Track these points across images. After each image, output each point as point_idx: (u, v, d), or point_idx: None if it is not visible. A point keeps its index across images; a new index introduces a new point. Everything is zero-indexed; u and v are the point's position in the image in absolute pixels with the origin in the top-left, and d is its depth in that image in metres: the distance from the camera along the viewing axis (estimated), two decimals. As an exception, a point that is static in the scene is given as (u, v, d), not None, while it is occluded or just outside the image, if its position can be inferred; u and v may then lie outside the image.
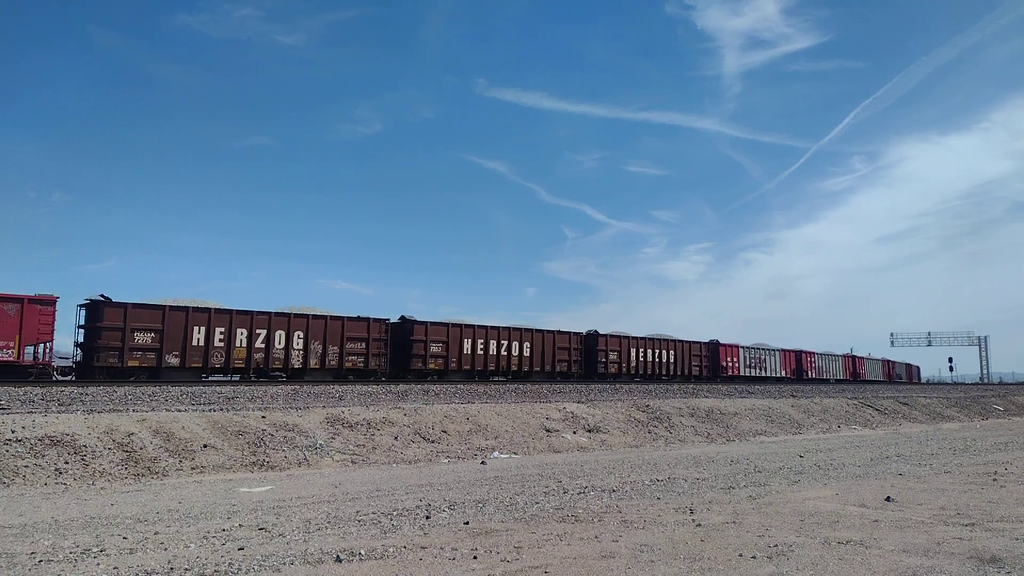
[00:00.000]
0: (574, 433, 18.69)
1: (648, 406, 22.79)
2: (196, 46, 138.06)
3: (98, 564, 5.70)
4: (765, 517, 7.73)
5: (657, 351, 37.34)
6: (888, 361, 68.84)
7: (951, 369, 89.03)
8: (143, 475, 11.51)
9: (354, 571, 5.55)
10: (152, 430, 13.00)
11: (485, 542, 6.53)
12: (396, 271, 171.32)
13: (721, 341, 41.84)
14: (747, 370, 43.78)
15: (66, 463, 11.27)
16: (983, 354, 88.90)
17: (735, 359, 42.65)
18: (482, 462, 14.36)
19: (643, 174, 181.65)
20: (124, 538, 6.72)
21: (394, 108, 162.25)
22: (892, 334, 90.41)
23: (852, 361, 58.62)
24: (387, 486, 10.59)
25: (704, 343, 40.79)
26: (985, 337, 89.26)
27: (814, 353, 51.56)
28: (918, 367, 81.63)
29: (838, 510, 8.20)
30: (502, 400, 20.81)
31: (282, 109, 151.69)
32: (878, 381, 60.50)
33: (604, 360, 34.45)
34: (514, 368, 30.08)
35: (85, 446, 11.84)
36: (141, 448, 12.30)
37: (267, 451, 13.37)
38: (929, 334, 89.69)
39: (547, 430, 18.34)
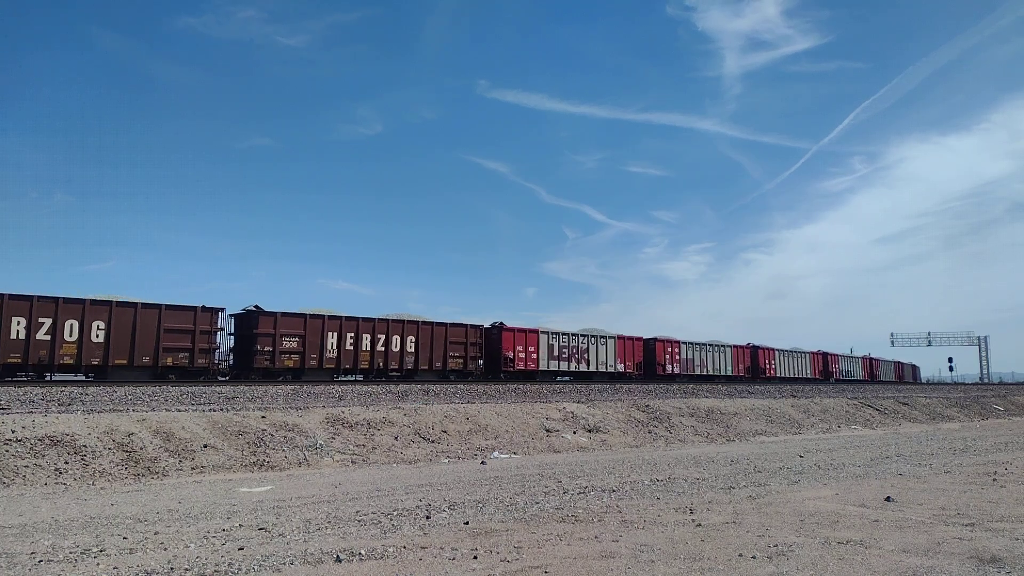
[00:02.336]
0: (574, 433, 18.69)
1: (648, 406, 22.79)
2: (198, 47, 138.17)
3: (98, 564, 5.70)
4: (765, 517, 7.73)
5: (585, 347, 33.89)
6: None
7: (951, 369, 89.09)
8: (143, 475, 11.51)
9: (354, 571, 5.55)
10: (152, 430, 13.00)
11: (485, 542, 6.53)
12: (396, 271, 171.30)
13: (659, 338, 38.71)
14: (697, 368, 40.19)
15: (66, 463, 11.27)
16: (983, 354, 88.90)
17: (668, 355, 38.75)
18: (482, 462, 14.36)
19: (643, 174, 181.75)
20: (124, 538, 6.72)
21: (395, 109, 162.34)
22: (892, 334, 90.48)
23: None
24: (387, 486, 10.59)
25: (644, 339, 37.88)
26: (985, 337, 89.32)
27: (773, 350, 47.18)
28: (918, 367, 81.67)
29: (838, 510, 8.20)
30: (502, 400, 20.81)
31: (283, 110, 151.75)
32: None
33: (511, 357, 30.74)
34: (393, 366, 27.11)
35: (85, 446, 11.84)
36: (141, 448, 12.29)
37: (267, 451, 13.37)
38: (929, 334, 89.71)
39: (547, 430, 18.34)
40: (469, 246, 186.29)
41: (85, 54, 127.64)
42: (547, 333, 32.42)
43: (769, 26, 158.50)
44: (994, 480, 11.01)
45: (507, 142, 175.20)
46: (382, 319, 27.23)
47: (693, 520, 7.56)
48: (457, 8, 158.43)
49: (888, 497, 9.05)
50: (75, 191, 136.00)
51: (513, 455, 15.78)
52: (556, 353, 32.63)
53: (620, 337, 36.11)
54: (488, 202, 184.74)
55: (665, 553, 6.04)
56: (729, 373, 42.41)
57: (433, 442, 15.87)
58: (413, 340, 28.01)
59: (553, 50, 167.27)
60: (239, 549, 6.22)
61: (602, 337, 35.04)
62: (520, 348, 31.22)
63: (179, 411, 14.65)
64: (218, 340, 23.40)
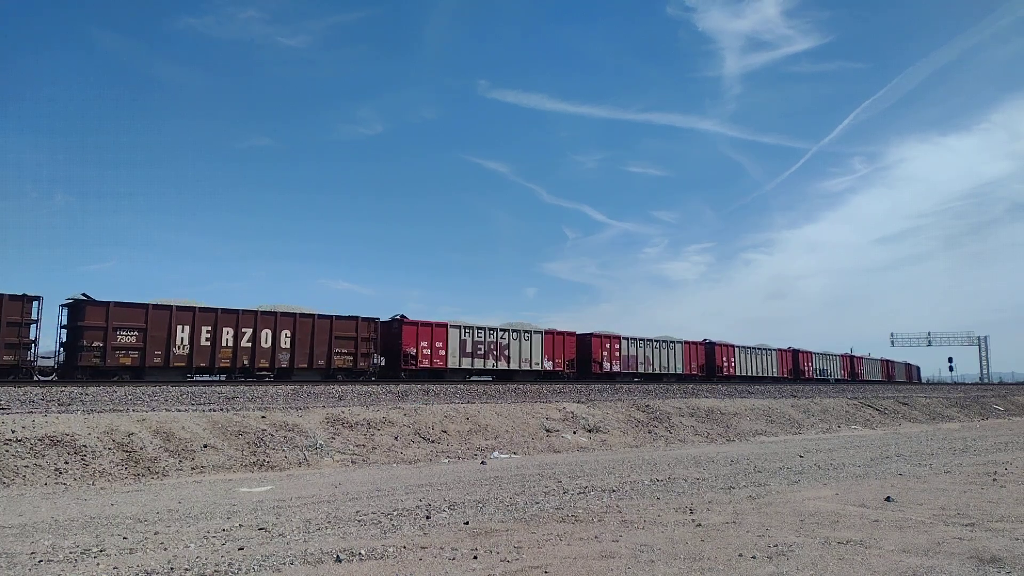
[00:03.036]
0: (574, 433, 18.69)
1: (648, 406, 22.79)
2: (199, 47, 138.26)
3: (98, 564, 5.70)
4: (765, 517, 7.73)
5: (506, 342, 30.89)
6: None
7: (951, 369, 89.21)
8: (143, 475, 11.51)
9: (354, 571, 5.55)
10: (152, 430, 13.00)
11: (485, 542, 6.53)
12: (396, 271, 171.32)
13: (596, 333, 35.39)
14: (641, 366, 37.04)
15: (66, 463, 11.27)
16: (983, 354, 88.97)
17: (607, 352, 35.37)
18: (482, 462, 14.36)
19: (643, 175, 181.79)
20: (124, 538, 6.72)
21: (396, 109, 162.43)
22: (892, 334, 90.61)
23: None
24: (387, 486, 10.59)
25: (578, 335, 34.60)
26: (985, 337, 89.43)
27: (732, 347, 43.86)
28: (918, 367, 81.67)
29: (838, 510, 8.20)
30: (502, 400, 20.81)
31: (284, 110, 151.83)
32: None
33: (413, 353, 27.86)
34: (263, 364, 23.82)
35: (85, 446, 11.84)
36: (141, 448, 12.29)
37: (267, 451, 13.37)
38: (929, 334, 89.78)
39: (547, 430, 18.34)
40: (469, 246, 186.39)
41: (86, 54, 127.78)
42: (459, 327, 29.25)
43: (769, 26, 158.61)
44: (994, 480, 11.01)
45: (507, 142, 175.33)
46: (248, 310, 23.84)
47: (693, 520, 7.56)
48: (457, 8, 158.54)
49: (888, 497, 9.05)
50: (76, 191, 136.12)
51: (513, 455, 15.78)
52: (470, 349, 29.33)
53: (549, 332, 32.88)
54: (488, 202, 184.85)
55: (665, 553, 6.04)
56: (680, 371, 38.90)
57: (433, 442, 15.87)
58: (288, 334, 24.53)
59: (553, 50, 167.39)
60: (239, 549, 6.22)
61: (527, 332, 31.73)
62: (425, 344, 28.02)
63: (179, 411, 14.65)
64: (34, 334, 20.36)
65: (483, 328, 30.19)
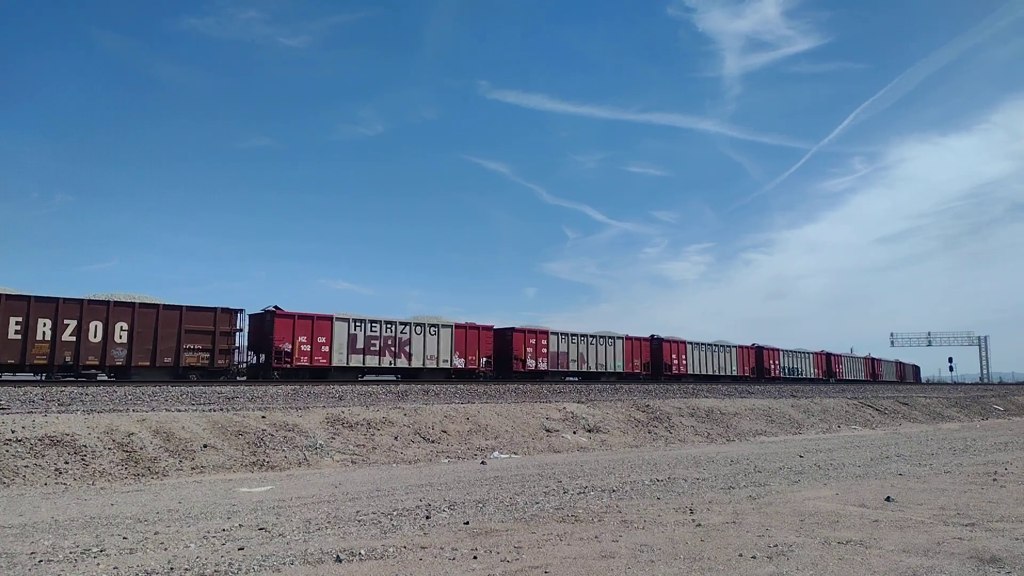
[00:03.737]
0: (574, 433, 18.69)
1: (648, 406, 22.79)
2: (200, 48, 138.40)
3: (98, 564, 5.70)
4: (765, 517, 7.73)
5: (407, 338, 27.82)
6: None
7: (951, 369, 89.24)
8: (143, 475, 11.52)
9: (354, 571, 5.55)
10: (152, 430, 13.00)
11: (485, 542, 6.53)
12: (397, 271, 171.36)
13: (519, 328, 32.18)
14: (573, 364, 33.73)
15: (66, 463, 11.27)
16: (983, 354, 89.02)
17: (532, 349, 32.42)
18: (482, 462, 14.36)
19: (644, 175, 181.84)
20: (124, 538, 6.72)
21: (396, 109, 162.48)
22: (892, 334, 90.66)
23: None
24: (387, 486, 10.59)
25: (496, 329, 31.56)
26: (985, 337, 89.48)
27: (682, 343, 39.62)
28: (918, 367, 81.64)
29: (838, 510, 8.20)
30: (502, 400, 20.82)
31: (284, 110, 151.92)
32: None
33: (288, 350, 24.46)
34: (91, 361, 20.86)
35: (85, 446, 11.84)
36: (141, 448, 12.30)
37: (267, 451, 13.37)
38: (929, 334, 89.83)
39: (547, 430, 18.35)
40: (469, 246, 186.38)
41: (87, 55, 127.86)
42: (347, 320, 26.13)
43: (769, 27, 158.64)
44: (994, 480, 11.01)
45: (508, 142, 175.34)
46: (72, 299, 20.86)
47: (693, 520, 7.56)
48: (458, 9, 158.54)
49: (888, 497, 9.05)
50: (76, 191, 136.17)
51: (513, 455, 15.78)
52: (362, 345, 26.27)
53: (462, 326, 29.84)
54: (488, 202, 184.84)
55: (665, 553, 6.04)
56: (620, 370, 35.40)
57: (433, 442, 15.88)
58: (125, 327, 21.48)
59: (554, 51, 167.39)
60: (239, 549, 6.22)
61: (433, 326, 28.76)
62: (304, 339, 24.87)
63: (179, 411, 14.65)
64: None
65: (378, 321, 26.99)
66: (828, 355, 54.93)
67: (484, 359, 30.48)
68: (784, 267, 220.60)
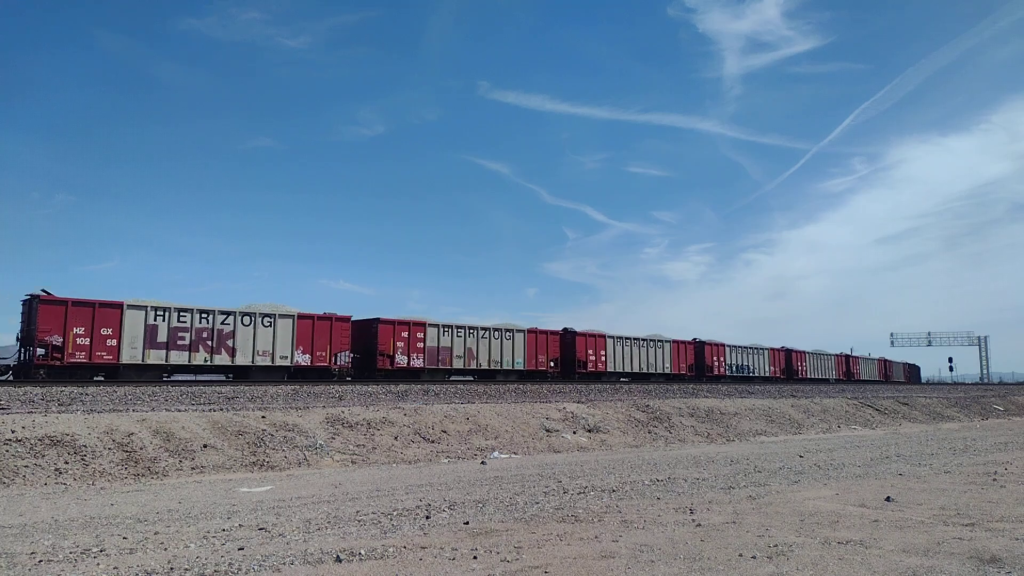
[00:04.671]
0: (574, 433, 18.69)
1: (648, 406, 22.79)
2: (201, 49, 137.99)
3: (98, 564, 5.70)
4: (765, 517, 7.73)
5: (231, 329, 23.75)
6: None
7: (951, 369, 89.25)
8: (143, 475, 11.52)
9: (354, 571, 5.55)
10: (152, 430, 13.00)
11: (485, 542, 6.53)
12: (397, 272, 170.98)
13: (386, 319, 27.91)
14: (453, 360, 29.48)
15: (66, 463, 11.27)
16: (983, 354, 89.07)
17: (404, 343, 28.24)
18: (482, 462, 14.36)
19: (644, 175, 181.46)
20: (124, 538, 6.72)
21: (397, 110, 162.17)
22: (892, 334, 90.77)
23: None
24: (387, 486, 10.59)
25: (356, 321, 27.55)
26: (985, 337, 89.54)
27: (594, 336, 34.61)
28: (918, 367, 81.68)
29: (838, 510, 8.20)
30: (502, 400, 20.82)
31: (285, 111, 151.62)
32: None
33: (61, 343, 20.63)
34: None
35: (85, 446, 11.84)
36: (141, 448, 12.30)
37: (267, 451, 13.37)
38: (929, 334, 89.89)
39: (547, 430, 18.35)
40: (470, 247, 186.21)
41: (88, 55, 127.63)
42: (143, 308, 22.10)
43: (770, 27, 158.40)
44: (994, 480, 11.01)
45: (508, 143, 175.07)
46: None
47: (693, 520, 7.56)
48: (458, 10, 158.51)
49: (888, 497, 9.05)
50: (77, 191, 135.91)
51: (513, 455, 15.79)
52: (164, 338, 22.35)
53: (306, 316, 25.63)
54: (489, 203, 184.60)
55: (665, 553, 6.04)
56: (521, 367, 31.55)
57: (433, 442, 15.88)
58: None
59: (554, 51, 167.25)
60: (239, 549, 6.22)
61: (267, 316, 24.62)
62: (82, 330, 20.98)
63: (179, 411, 14.65)
64: None
65: (189, 310, 22.93)
66: (788, 352, 51.78)
67: (341, 354, 26.33)
68: (784, 267, 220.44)
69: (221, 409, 15.34)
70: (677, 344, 39.71)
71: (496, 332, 30.77)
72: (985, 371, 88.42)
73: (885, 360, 66.89)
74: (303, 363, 25.32)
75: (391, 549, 6.22)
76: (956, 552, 6.04)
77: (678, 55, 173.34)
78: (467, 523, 7.46)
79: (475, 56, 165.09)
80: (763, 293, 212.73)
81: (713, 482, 10.86)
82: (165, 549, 6.24)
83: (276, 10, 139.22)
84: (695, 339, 41.81)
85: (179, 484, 11.00)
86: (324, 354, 25.88)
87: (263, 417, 14.99)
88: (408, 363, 27.96)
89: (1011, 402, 42.32)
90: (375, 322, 27.43)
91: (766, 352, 47.08)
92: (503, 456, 15.54)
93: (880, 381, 60.67)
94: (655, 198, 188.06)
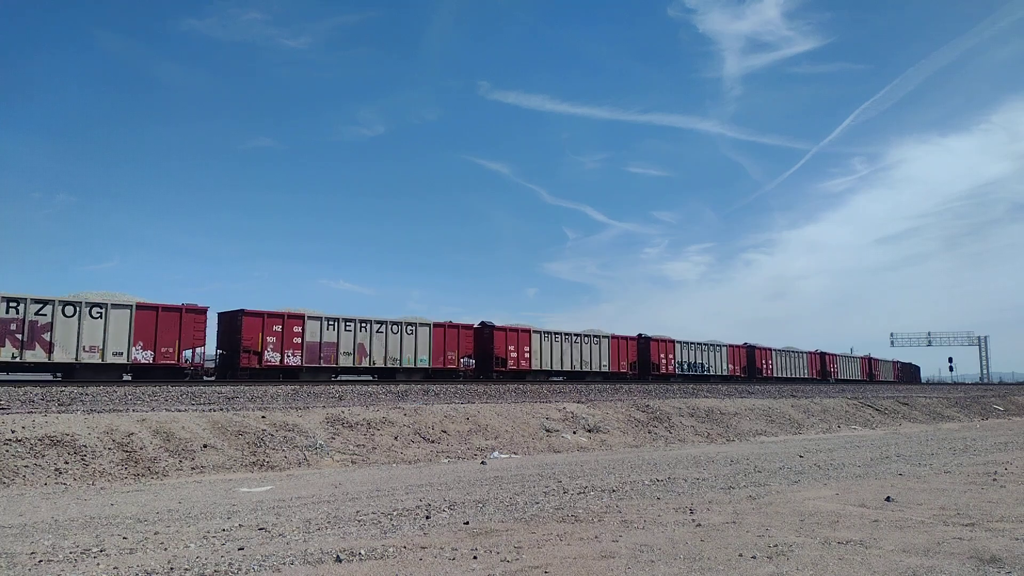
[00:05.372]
0: (574, 433, 18.69)
1: (648, 406, 22.79)
2: (202, 49, 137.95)
3: (98, 564, 5.70)
4: (765, 517, 7.73)
5: (46, 321, 20.39)
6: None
7: (951, 369, 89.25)
8: (143, 475, 11.52)
9: (354, 571, 5.55)
10: (152, 430, 13.00)
11: (485, 542, 6.53)
12: (397, 272, 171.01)
13: (251, 310, 24.38)
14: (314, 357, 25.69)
15: (66, 463, 11.27)
16: (983, 354, 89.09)
17: (277, 338, 24.71)
18: (482, 462, 14.36)
19: (644, 175, 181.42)
20: (124, 538, 6.72)
21: (397, 110, 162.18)
22: (892, 334, 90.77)
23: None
24: (387, 486, 10.59)
25: (228, 312, 24.97)
26: (985, 337, 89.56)
27: (536, 329, 32.29)
28: (918, 367, 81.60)
29: (838, 510, 8.20)
30: (502, 400, 20.82)
31: (286, 111, 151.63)
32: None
33: None
34: None
35: (85, 446, 11.84)
36: (141, 448, 12.30)
37: (267, 451, 13.37)
38: (929, 334, 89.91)
39: (547, 430, 18.35)
40: (470, 247, 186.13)
41: (88, 55, 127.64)
42: None
43: (770, 28, 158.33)
44: (994, 480, 11.01)
45: (508, 143, 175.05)
46: None
47: (693, 520, 7.56)
48: (459, 10, 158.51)
49: (888, 497, 9.05)
50: (77, 192, 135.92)
51: (513, 455, 15.78)
52: None
53: (148, 307, 22.36)
54: (489, 203, 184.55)
55: (665, 553, 6.04)
56: (427, 365, 28.72)
57: (433, 442, 15.88)
58: None
59: (554, 52, 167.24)
60: (239, 549, 6.22)
61: (97, 307, 21.35)
62: None
63: (179, 411, 14.65)
64: None
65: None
66: (871, 359, 52.57)
67: (195, 351, 23.45)
68: (784, 267, 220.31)
69: (221, 409, 15.34)
70: (617, 339, 36.61)
71: (395, 326, 27.77)
72: (985, 371, 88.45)
73: (871, 358, 61.99)
74: (143, 360, 22.06)
75: (391, 549, 6.22)
76: (956, 552, 6.04)
77: (678, 55, 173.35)
78: (467, 523, 7.46)
79: (475, 56, 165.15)
80: (763, 293, 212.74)
81: (713, 482, 10.85)
82: (165, 549, 6.24)
83: (276, 10, 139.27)
84: (640, 334, 38.82)
85: (179, 484, 11.00)
86: (171, 351, 22.62)
87: (263, 417, 14.99)
88: (281, 360, 24.57)
89: (1011, 402, 42.32)
90: (239, 314, 24.17)
91: (723, 349, 43.41)
92: (503, 456, 15.54)
93: (864, 381, 56.05)
94: (655, 198, 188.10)
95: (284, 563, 5.72)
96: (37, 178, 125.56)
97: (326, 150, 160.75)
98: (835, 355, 55.19)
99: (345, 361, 26.31)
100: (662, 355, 39.17)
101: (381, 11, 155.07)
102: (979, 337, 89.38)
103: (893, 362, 70.13)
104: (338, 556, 5.91)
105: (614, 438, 18.98)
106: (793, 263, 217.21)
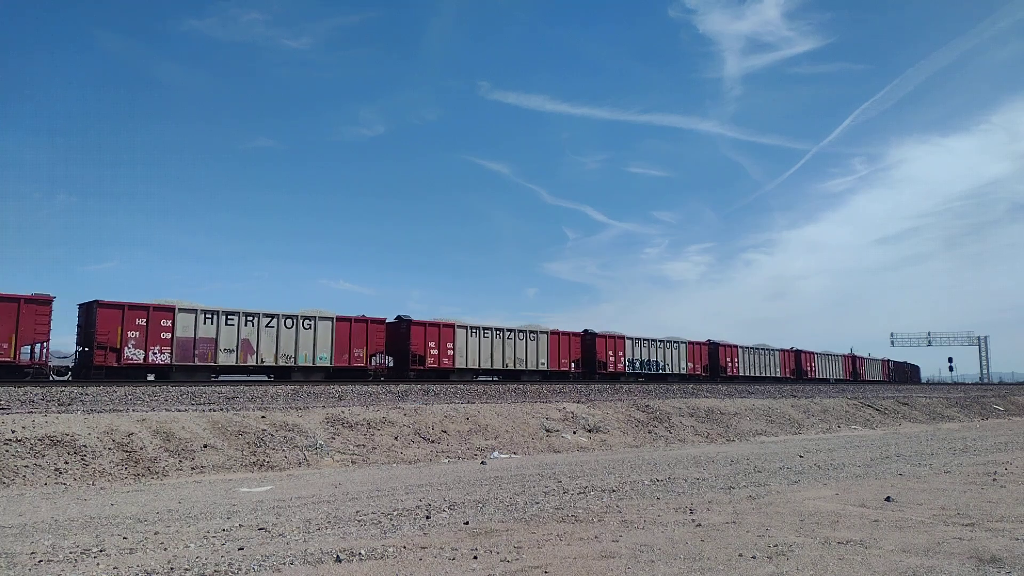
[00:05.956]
0: (574, 433, 18.69)
1: (648, 406, 22.79)
2: (202, 49, 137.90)
3: (98, 564, 5.70)
4: (765, 517, 7.73)
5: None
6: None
7: (951, 369, 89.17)
8: (143, 475, 11.51)
9: (354, 571, 5.55)
10: (152, 430, 13.00)
11: (485, 542, 6.53)
12: (397, 271, 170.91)
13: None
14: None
15: (66, 463, 11.27)
16: (983, 354, 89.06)
17: (140, 333, 22.18)
18: (482, 462, 14.36)
19: (644, 175, 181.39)
20: (124, 538, 6.72)
21: (397, 110, 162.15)
22: (892, 334, 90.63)
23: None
24: (387, 486, 10.59)
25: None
26: (985, 337, 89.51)
27: (459, 324, 29.42)
28: (918, 367, 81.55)
29: (838, 510, 8.20)
30: (502, 400, 20.82)
31: (286, 111, 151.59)
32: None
33: None
34: None
35: (85, 446, 11.84)
36: (141, 448, 12.29)
37: (267, 451, 13.37)
38: (929, 334, 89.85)
39: (547, 430, 18.34)
40: (471, 247, 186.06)
41: (88, 55, 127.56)
42: None
43: (770, 28, 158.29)
44: (994, 480, 11.01)
45: (508, 143, 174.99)
46: None
47: (693, 520, 7.56)
48: (459, 10, 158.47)
49: (888, 497, 9.05)
50: (78, 192, 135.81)
51: (513, 455, 15.78)
52: None
53: (10, 298, 20.26)
54: (489, 203, 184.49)
55: (665, 553, 6.04)
56: (327, 363, 26.24)
57: (433, 442, 15.87)
58: None
59: (554, 52, 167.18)
60: (239, 549, 6.22)
61: None
62: None
63: (179, 411, 14.65)
64: None
65: None
66: (854, 358, 49.10)
67: (38, 347, 20.88)
68: (784, 267, 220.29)
69: (221, 409, 15.34)
70: (559, 335, 34.35)
71: (289, 320, 25.15)
72: (985, 371, 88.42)
73: (854, 356, 58.87)
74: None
75: (391, 549, 6.21)
76: (956, 552, 6.04)
77: (678, 55, 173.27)
78: (467, 523, 7.46)
79: (475, 56, 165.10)
80: (763, 293, 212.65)
81: (713, 482, 10.85)
82: (165, 549, 6.24)
83: (277, 11, 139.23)
84: (585, 330, 36.65)
85: (179, 484, 10.99)
86: (6, 346, 19.83)
87: (263, 417, 14.99)
88: (146, 358, 22.22)
89: (1011, 402, 42.32)
90: (94, 305, 21.96)
91: (683, 346, 40.90)
92: (503, 456, 15.53)
93: (847, 381, 53.67)
94: (655, 198, 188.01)
95: (284, 563, 5.72)
96: (37, 178, 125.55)
97: (326, 150, 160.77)
98: (812, 353, 52.03)
99: (226, 359, 23.79)
100: (610, 352, 36.85)
101: (381, 11, 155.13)
102: (979, 337, 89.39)
103: (883, 360, 67.36)
104: (338, 556, 5.91)
105: (614, 438, 18.98)
106: (793, 263, 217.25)
